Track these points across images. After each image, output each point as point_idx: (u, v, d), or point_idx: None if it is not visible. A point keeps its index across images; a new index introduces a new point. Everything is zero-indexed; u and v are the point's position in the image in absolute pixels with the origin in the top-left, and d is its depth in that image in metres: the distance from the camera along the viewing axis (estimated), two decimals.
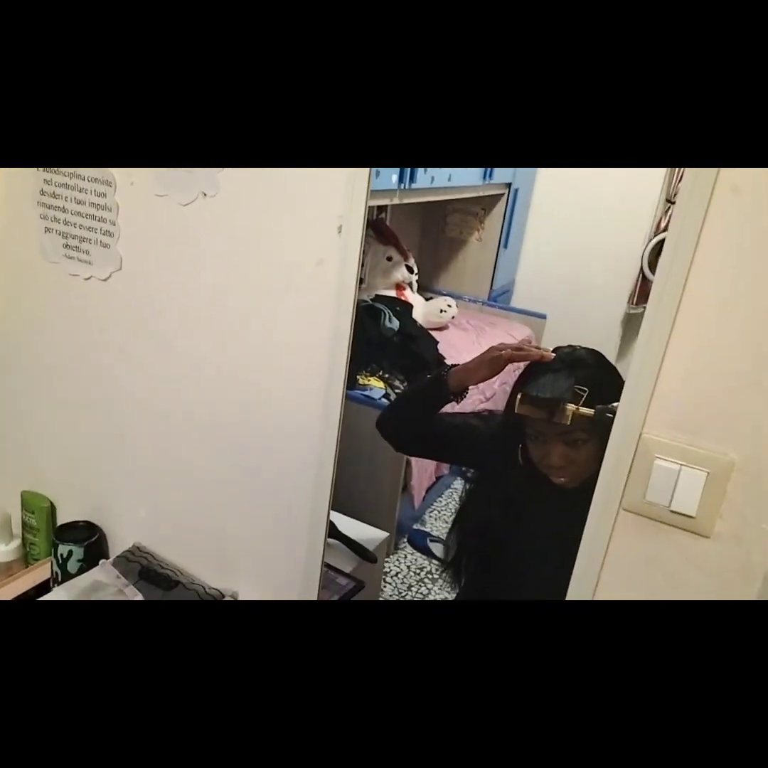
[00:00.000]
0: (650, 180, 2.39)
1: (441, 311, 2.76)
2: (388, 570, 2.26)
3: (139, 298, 1.05)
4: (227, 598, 1.05)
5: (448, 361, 2.18)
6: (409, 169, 2.05)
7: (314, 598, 1.05)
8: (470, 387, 1.14)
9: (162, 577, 1.06)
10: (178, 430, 1.08)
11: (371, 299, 2.44)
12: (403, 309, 2.42)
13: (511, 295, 3.03)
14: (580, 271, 2.67)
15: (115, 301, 1.07)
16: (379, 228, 2.64)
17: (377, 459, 2.26)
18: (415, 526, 2.45)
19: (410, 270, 2.69)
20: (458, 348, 2.55)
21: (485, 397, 2.23)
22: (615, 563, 0.79)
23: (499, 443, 1.17)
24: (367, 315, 2.30)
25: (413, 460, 2.28)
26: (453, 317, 2.79)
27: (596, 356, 1.09)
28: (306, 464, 0.98)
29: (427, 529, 2.40)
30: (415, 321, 2.46)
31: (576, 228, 2.74)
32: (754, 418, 0.69)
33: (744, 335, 0.67)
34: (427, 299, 2.84)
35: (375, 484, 2.12)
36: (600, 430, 0.97)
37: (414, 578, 2.25)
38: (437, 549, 2.30)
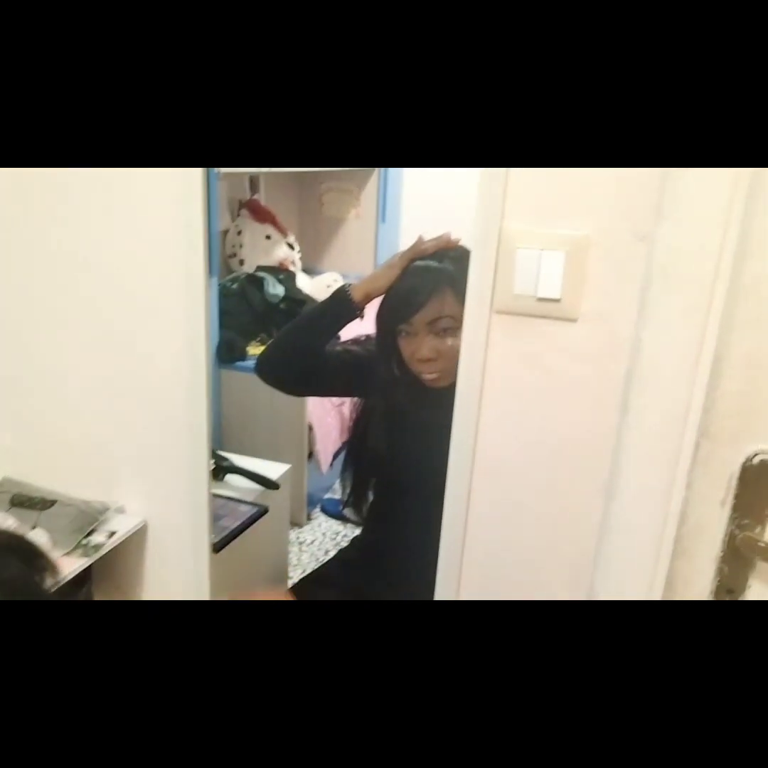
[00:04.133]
0: None
1: (327, 286, 2.76)
2: (303, 540, 2.20)
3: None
4: (112, 511, 0.97)
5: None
6: None
7: (205, 510, 0.99)
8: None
9: (36, 500, 0.97)
10: (44, 339, 1.00)
11: (253, 271, 2.41)
12: (287, 276, 2.40)
13: None
14: (462, 236, 2.75)
15: None
16: (253, 207, 2.61)
17: (278, 427, 2.21)
18: (326, 496, 2.41)
19: (291, 247, 2.68)
20: None
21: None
22: (494, 371, 0.80)
23: (378, 359, 1.16)
24: (250, 284, 2.27)
25: (315, 424, 2.25)
26: None
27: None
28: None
29: (338, 497, 2.37)
30: (300, 289, 2.44)
31: (450, 193, 2.82)
32: (603, 192, 0.72)
33: None
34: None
35: (278, 455, 2.06)
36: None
37: (330, 543, 2.20)
38: (351, 513, 2.26)
